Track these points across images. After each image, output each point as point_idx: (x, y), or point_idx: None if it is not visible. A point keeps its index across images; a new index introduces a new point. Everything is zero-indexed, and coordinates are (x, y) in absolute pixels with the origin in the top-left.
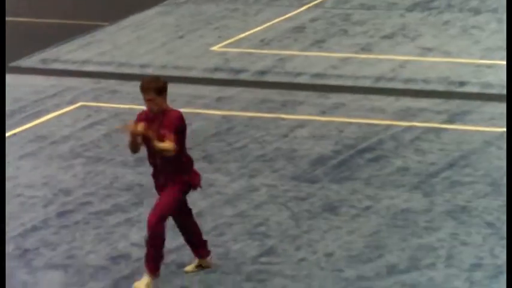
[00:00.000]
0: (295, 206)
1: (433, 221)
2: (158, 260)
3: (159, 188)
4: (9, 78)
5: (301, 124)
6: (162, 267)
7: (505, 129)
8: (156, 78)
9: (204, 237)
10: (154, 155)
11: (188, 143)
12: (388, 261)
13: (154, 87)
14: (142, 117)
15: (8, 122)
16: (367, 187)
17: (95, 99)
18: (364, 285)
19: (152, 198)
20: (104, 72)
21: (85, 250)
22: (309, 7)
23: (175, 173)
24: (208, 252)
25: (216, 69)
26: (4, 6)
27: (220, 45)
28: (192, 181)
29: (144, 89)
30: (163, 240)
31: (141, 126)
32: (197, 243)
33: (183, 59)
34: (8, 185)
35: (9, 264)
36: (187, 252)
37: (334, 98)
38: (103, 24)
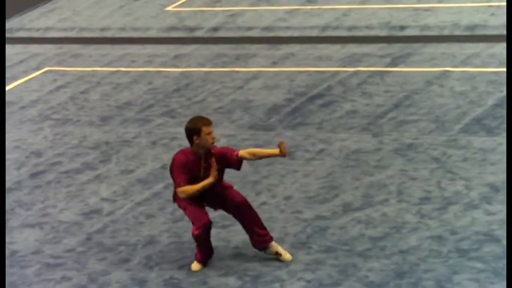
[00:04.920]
0: None
1: (383, 160)
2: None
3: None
4: None
5: (255, 76)
6: (131, 218)
7: (446, 68)
8: None
9: (167, 191)
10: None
11: (150, 99)
12: (343, 199)
13: None
14: (188, 159)
15: None
16: (319, 131)
17: (60, 64)
18: (322, 224)
19: (118, 154)
20: (66, 37)
21: (58, 208)
22: None
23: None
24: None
25: (172, 28)
26: (4, 6)
27: (174, 5)
28: None
29: (210, 124)
30: None
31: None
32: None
33: (140, 20)
34: None
35: None
36: (157, 202)
37: (284, 49)
38: None
